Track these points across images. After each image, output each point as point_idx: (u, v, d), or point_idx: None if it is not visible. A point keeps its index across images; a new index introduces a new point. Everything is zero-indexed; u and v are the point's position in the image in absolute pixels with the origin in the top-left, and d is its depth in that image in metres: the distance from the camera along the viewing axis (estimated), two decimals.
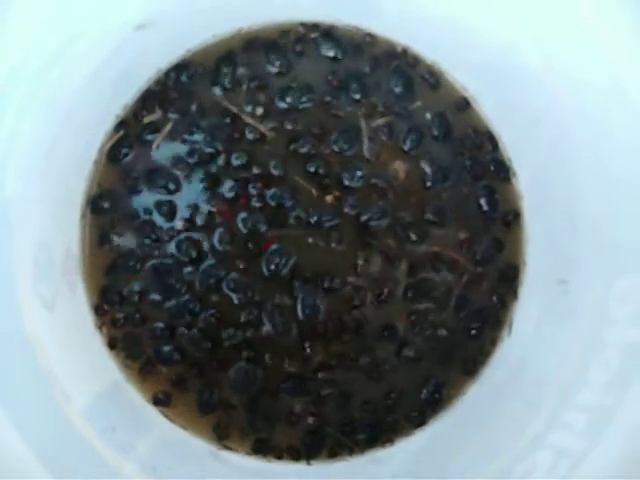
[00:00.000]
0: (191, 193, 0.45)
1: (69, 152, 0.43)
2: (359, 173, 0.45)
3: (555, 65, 0.41)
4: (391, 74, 0.46)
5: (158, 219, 0.45)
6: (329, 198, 0.45)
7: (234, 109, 0.45)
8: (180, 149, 0.45)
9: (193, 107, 0.46)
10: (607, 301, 0.39)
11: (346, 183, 0.45)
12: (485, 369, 0.46)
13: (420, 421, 0.45)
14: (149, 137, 0.46)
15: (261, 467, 0.45)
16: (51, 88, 0.39)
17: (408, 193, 0.45)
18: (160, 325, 0.45)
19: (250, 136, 0.45)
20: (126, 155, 0.45)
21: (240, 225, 0.45)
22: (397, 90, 0.46)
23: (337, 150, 0.45)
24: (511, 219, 0.46)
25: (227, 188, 0.45)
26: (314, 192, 0.45)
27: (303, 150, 0.45)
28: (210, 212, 0.45)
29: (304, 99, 0.46)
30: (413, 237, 0.45)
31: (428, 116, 0.46)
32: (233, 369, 0.44)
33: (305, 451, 0.45)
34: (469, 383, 0.46)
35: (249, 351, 0.44)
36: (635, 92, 0.37)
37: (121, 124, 0.46)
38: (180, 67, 0.46)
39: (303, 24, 0.47)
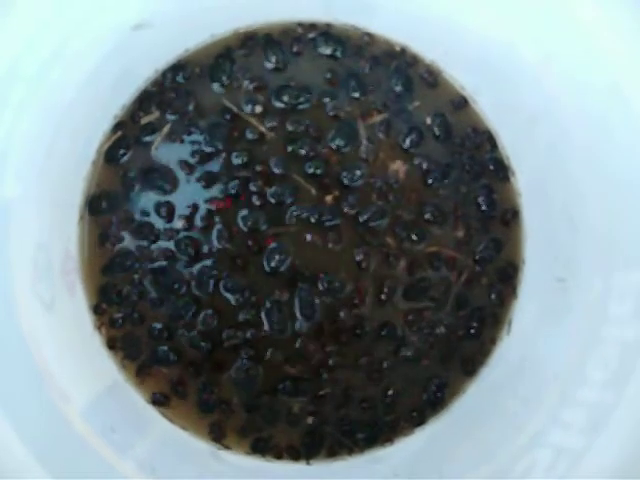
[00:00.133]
0: (190, 193, 0.45)
1: (67, 152, 0.43)
2: (359, 173, 0.45)
3: (554, 64, 0.41)
4: (390, 73, 0.47)
5: (157, 219, 0.45)
6: (329, 198, 0.45)
7: (233, 107, 0.45)
8: (179, 149, 0.45)
9: (191, 107, 0.46)
10: (606, 299, 0.39)
11: (346, 182, 0.45)
12: (484, 368, 0.46)
13: (420, 420, 0.45)
14: (147, 138, 0.46)
15: (260, 467, 0.45)
16: (49, 88, 0.39)
17: (407, 192, 0.45)
18: (158, 325, 0.45)
19: (250, 135, 0.45)
20: (124, 156, 0.45)
21: (240, 223, 0.45)
22: (396, 89, 0.46)
23: (335, 148, 0.45)
24: (510, 218, 0.46)
25: (227, 186, 0.45)
26: (314, 192, 0.45)
27: (302, 151, 0.45)
28: (209, 211, 0.45)
29: (302, 98, 0.46)
30: (412, 236, 0.45)
31: (427, 115, 0.46)
32: (234, 368, 0.44)
33: (304, 451, 0.45)
34: (469, 382, 0.46)
35: (249, 350, 0.44)
36: (633, 91, 0.37)
37: (119, 125, 0.46)
38: (177, 67, 0.46)
39: (301, 24, 0.47)
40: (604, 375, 0.38)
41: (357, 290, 0.45)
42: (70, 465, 0.37)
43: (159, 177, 0.45)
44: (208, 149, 0.45)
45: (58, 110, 0.40)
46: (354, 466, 0.45)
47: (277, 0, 0.46)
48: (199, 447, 0.44)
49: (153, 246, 0.45)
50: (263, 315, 0.44)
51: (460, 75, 0.47)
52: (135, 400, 0.44)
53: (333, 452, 0.45)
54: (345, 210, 0.45)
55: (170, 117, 0.46)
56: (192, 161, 0.45)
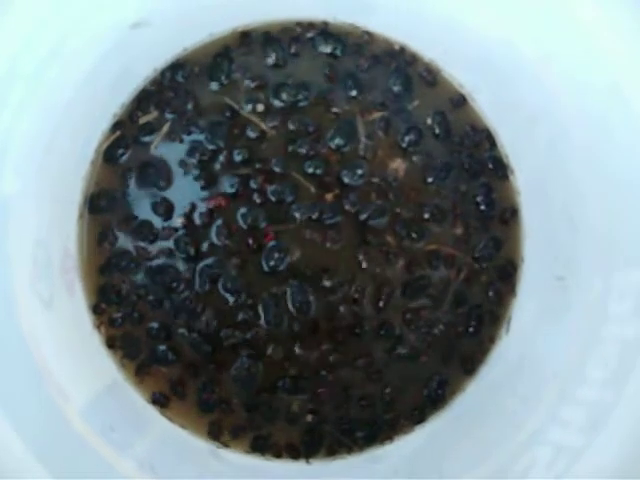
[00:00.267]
0: (190, 191, 0.45)
1: (66, 151, 0.43)
2: (359, 171, 0.45)
3: (554, 63, 0.41)
4: (389, 72, 0.47)
5: (156, 218, 0.45)
6: (329, 196, 0.45)
7: (234, 105, 0.45)
8: (179, 148, 0.45)
9: (190, 106, 0.46)
10: (605, 298, 0.39)
11: (346, 181, 0.45)
12: (484, 366, 0.46)
13: (420, 418, 0.45)
14: (146, 138, 0.46)
15: (260, 465, 0.45)
16: (47, 87, 0.39)
17: (407, 190, 0.46)
18: (157, 325, 0.45)
19: (251, 133, 0.45)
20: (123, 155, 0.45)
21: (240, 220, 0.45)
22: (395, 88, 0.46)
23: (334, 147, 0.45)
24: (509, 216, 0.46)
25: (227, 184, 0.45)
26: (314, 190, 0.45)
27: (302, 150, 0.45)
28: (209, 209, 0.45)
29: (301, 96, 0.46)
30: (412, 235, 0.45)
31: (426, 114, 0.46)
32: (234, 366, 0.44)
33: (304, 449, 0.45)
34: (468, 380, 0.46)
35: (249, 349, 0.44)
36: (633, 91, 0.37)
37: (117, 124, 0.46)
38: (176, 66, 0.46)
39: (300, 23, 0.47)
40: (603, 374, 0.38)
41: (356, 288, 0.45)
42: (69, 464, 0.37)
43: (160, 176, 0.45)
44: (208, 147, 0.45)
45: (57, 109, 0.40)
46: (354, 465, 0.45)
47: None
48: (198, 446, 0.44)
49: (152, 245, 0.45)
50: (260, 309, 0.44)
51: (459, 73, 0.47)
52: (134, 399, 0.44)
53: (333, 451, 0.45)
54: (346, 208, 0.45)
55: (169, 116, 0.46)
56: (192, 159, 0.45)
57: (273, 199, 0.45)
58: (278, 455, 0.45)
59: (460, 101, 0.47)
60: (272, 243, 0.44)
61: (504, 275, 0.46)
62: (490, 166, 0.47)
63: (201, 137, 0.45)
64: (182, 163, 0.45)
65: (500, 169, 0.47)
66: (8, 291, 0.39)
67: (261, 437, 0.45)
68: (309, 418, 0.45)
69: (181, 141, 0.45)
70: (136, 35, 0.43)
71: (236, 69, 0.46)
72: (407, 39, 0.47)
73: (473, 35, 0.43)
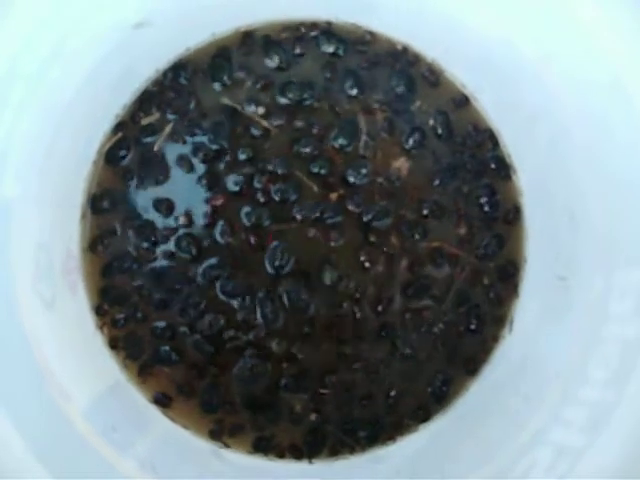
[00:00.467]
0: (192, 191, 0.45)
1: (68, 152, 0.43)
2: (364, 171, 0.45)
3: (554, 63, 0.41)
4: (391, 72, 0.47)
5: (158, 218, 0.45)
6: (333, 196, 0.45)
7: (236, 106, 0.45)
8: (181, 149, 0.45)
9: (192, 106, 0.46)
10: (607, 297, 0.39)
11: (351, 180, 0.45)
12: (486, 366, 0.46)
13: (424, 417, 0.45)
14: (148, 139, 0.46)
15: (262, 466, 0.45)
16: (49, 88, 0.39)
17: (410, 191, 0.45)
18: (160, 325, 0.45)
19: (254, 132, 0.45)
20: (125, 157, 0.45)
21: (244, 220, 0.45)
22: (398, 89, 0.46)
23: (338, 147, 0.45)
24: (512, 216, 0.46)
25: (231, 183, 0.45)
26: (317, 190, 0.45)
27: (306, 150, 0.45)
28: (212, 208, 0.45)
29: (306, 95, 0.46)
30: (415, 235, 0.45)
31: (429, 114, 0.46)
32: (237, 367, 0.44)
33: (307, 449, 0.45)
34: (471, 380, 0.46)
35: (252, 349, 0.44)
36: (634, 90, 0.37)
37: (119, 126, 0.46)
38: (178, 67, 0.46)
39: (302, 23, 0.47)
40: (605, 373, 0.38)
41: (359, 288, 0.45)
42: (71, 464, 0.37)
43: (162, 176, 0.45)
44: (211, 147, 0.45)
45: (58, 110, 0.40)
46: (356, 465, 0.45)
47: None
48: (200, 446, 0.44)
49: (155, 245, 0.45)
50: (262, 309, 0.44)
51: (461, 74, 0.47)
52: (137, 399, 0.44)
53: (335, 451, 0.45)
54: (350, 208, 0.45)
55: (171, 117, 0.46)
56: (194, 160, 0.45)
57: (277, 198, 0.45)
58: (281, 455, 0.45)
59: (462, 101, 0.47)
60: (275, 243, 0.44)
61: (506, 275, 0.46)
62: (493, 166, 0.46)
63: (204, 138, 0.45)
64: (185, 163, 0.45)
65: (503, 169, 0.46)
66: (10, 292, 0.39)
67: (264, 438, 0.45)
68: (313, 417, 0.45)
69: (184, 142, 0.45)
70: (138, 35, 0.43)
71: (239, 69, 0.46)
72: (409, 39, 0.47)
73: (473, 35, 0.42)
